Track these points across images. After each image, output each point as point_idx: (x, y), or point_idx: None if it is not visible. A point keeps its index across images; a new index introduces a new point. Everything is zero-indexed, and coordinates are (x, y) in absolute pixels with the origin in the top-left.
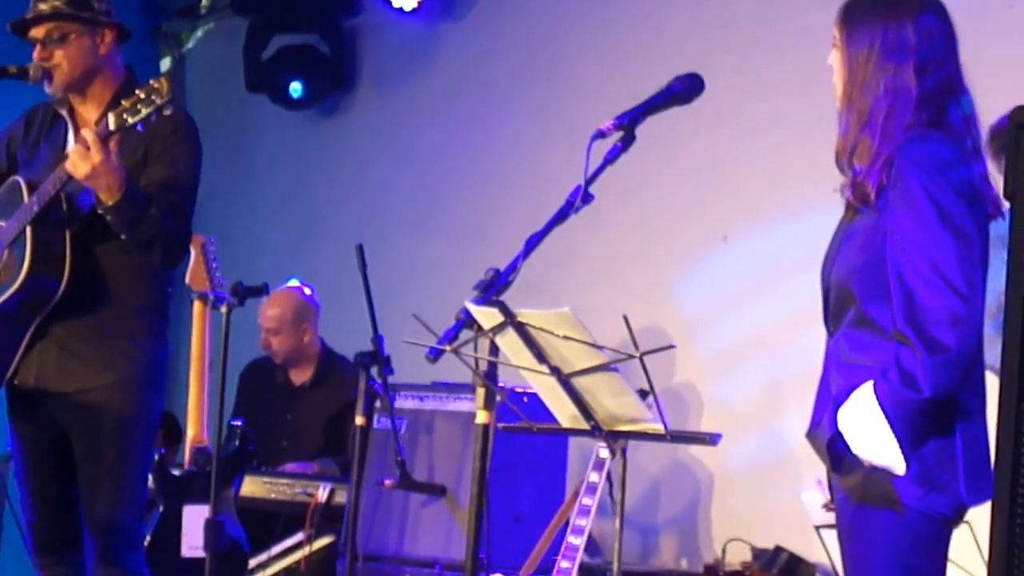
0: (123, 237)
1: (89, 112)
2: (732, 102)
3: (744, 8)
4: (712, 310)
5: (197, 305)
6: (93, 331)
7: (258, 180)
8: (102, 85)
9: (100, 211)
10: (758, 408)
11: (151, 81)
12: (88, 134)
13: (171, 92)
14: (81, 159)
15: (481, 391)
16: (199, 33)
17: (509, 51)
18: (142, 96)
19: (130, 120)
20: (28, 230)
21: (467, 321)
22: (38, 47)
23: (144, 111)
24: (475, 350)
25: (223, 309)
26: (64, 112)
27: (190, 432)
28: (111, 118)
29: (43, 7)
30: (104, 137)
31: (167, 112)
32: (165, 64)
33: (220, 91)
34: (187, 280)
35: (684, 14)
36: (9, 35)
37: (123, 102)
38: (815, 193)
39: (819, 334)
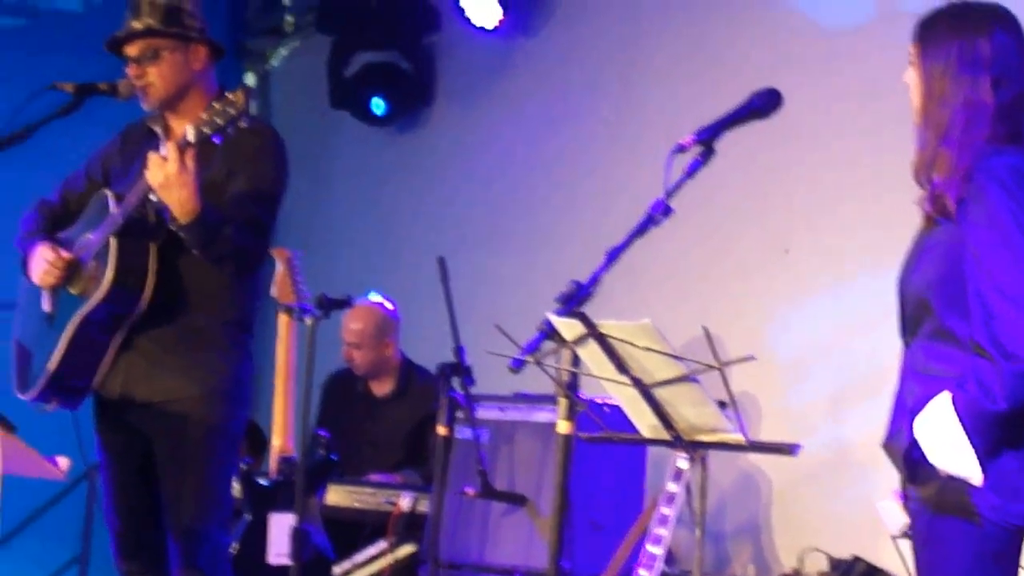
0: (195, 252)
1: (182, 128)
2: (795, 114)
3: (809, 21)
4: (775, 320)
5: (282, 317)
6: (179, 342)
7: (339, 194)
8: (195, 101)
9: (172, 228)
10: (824, 416)
11: (227, 94)
12: (169, 144)
13: (247, 104)
14: (157, 167)
15: (563, 401)
16: (283, 51)
17: (580, 65)
18: (218, 108)
19: (206, 131)
20: (112, 241)
21: (549, 332)
22: (132, 65)
23: (220, 122)
24: (557, 361)
25: (308, 321)
26: (158, 128)
27: (276, 442)
28: (189, 130)
29: (136, 25)
30: (182, 148)
31: (243, 124)
32: (250, 81)
33: (304, 107)
34: (273, 293)
35: (751, 28)
36: (105, 55)
37: (201, 115)
38: (874, 204)
39: (883, 342)
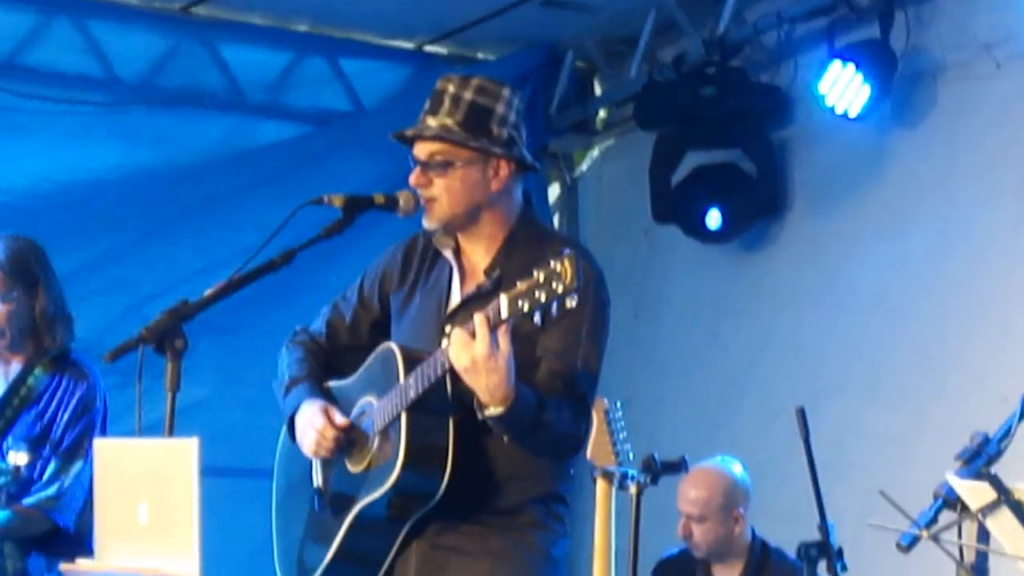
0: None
1: (478, 254)
2: None
3: None
4: None
5: (600, 484)
6: (479, 524)
7: (667, 329)
8: (493, 223)
9: (479, 416)
10: None
11: (552, 263)
12: (478, 318)
13: (576, 279)
14: (463, 347)
15: None
16: (594, 152)
17: (972, 165)
18: (540, 279)
19: (525, 308)
20: (404, 416)
21: (948, 499)
22: (416, 171)
23: (542, 298)
24: (959, 536)
25: (632, 489)
26: (448, 253)
27: None
28: (503, 301)
29: (431, 122)
30: (493, 324)
31: (570, 304)
32: (553, 190)
33: (620, 222)
34: (588, 455)
35: None
36: (382, 159)
37: (518, 283)
38: None
39: None
